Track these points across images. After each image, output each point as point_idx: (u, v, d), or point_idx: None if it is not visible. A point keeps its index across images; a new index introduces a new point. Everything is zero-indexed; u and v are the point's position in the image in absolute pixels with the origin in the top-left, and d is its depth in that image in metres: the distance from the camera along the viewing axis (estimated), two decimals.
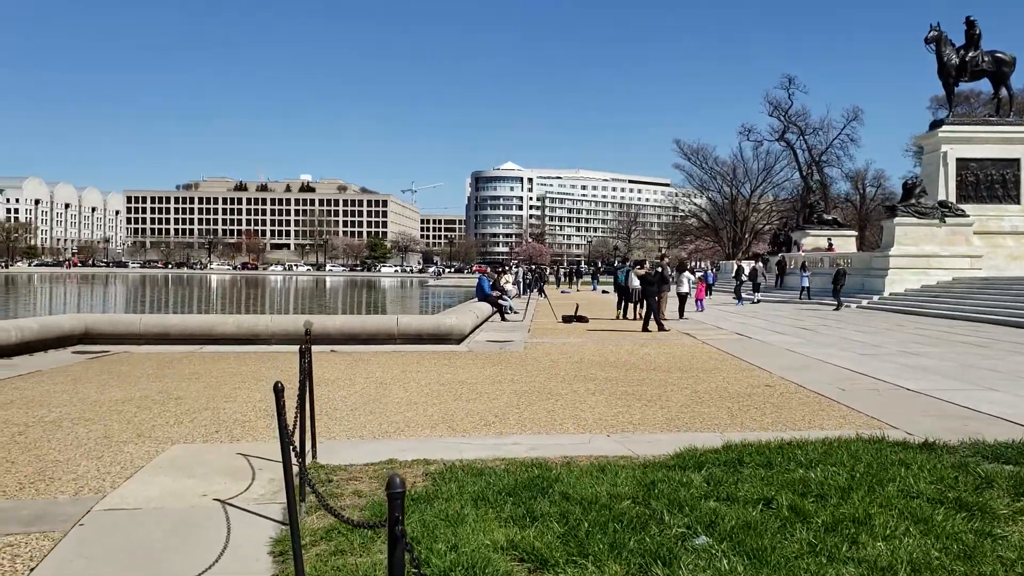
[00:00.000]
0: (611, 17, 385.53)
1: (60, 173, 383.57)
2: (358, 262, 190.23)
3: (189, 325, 15.67)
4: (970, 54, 39.20)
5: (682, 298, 24.60)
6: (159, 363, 12.79)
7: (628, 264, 31.60)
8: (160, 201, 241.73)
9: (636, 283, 27.37)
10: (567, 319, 22.97)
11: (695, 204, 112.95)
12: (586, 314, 23.67)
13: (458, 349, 15.43)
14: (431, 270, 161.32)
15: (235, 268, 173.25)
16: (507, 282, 27.92)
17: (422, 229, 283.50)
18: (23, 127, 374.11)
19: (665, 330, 19.44)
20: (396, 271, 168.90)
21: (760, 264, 45.25)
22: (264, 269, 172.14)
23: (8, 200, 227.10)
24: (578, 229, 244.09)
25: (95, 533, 4.58)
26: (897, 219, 34.42)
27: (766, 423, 8.01)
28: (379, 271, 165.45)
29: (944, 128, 39.11)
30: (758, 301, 35.03)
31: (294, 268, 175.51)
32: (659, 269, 20.82)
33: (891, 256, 34.02)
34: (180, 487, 5.54)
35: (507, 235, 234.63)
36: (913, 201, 34.73)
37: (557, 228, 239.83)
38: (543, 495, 4.67)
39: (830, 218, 50.10)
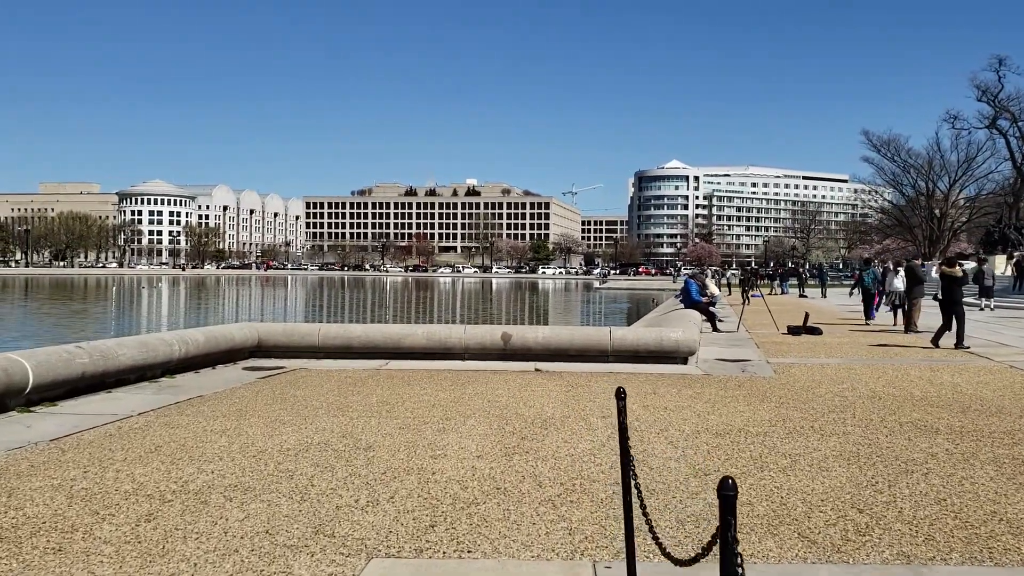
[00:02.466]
0: (781, 7, 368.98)
1: (245, 181, 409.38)
2: (522, 264, 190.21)
3: (374, 337, 13.48)
4: None
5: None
6: (340, 385, 10.52)
7: (876, 264, 27.09)
8: (336, 206, 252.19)
9: (898, 285, 22.47)
10: (794, 330, 19.35)
11: (886, 200, 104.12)
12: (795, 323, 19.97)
13: (689, 371, 12.40)
14: (595, 272, 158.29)
15: (407, 270, 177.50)
16: (713, 286, 24.54)
17: (583, 231, 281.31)
18: (214, 137, 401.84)
19: (938, 346, 15.57)
20: (560, 273, 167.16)
21: (986, 265, 39.24)
22: (433, 271, 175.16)
23: (200, 207, 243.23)
24: (748, 229, 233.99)
25: None
26: None
27: None
28: (543, 273, 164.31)
29: None
30: (994, 308, 29.64)
31: (461, 270, 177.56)
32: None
33: None
34: None
35: (671, 236, 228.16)
36: None
37: (725, 228, 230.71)
38: None
39: None
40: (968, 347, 15.42)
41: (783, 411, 8.71)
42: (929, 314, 21.49)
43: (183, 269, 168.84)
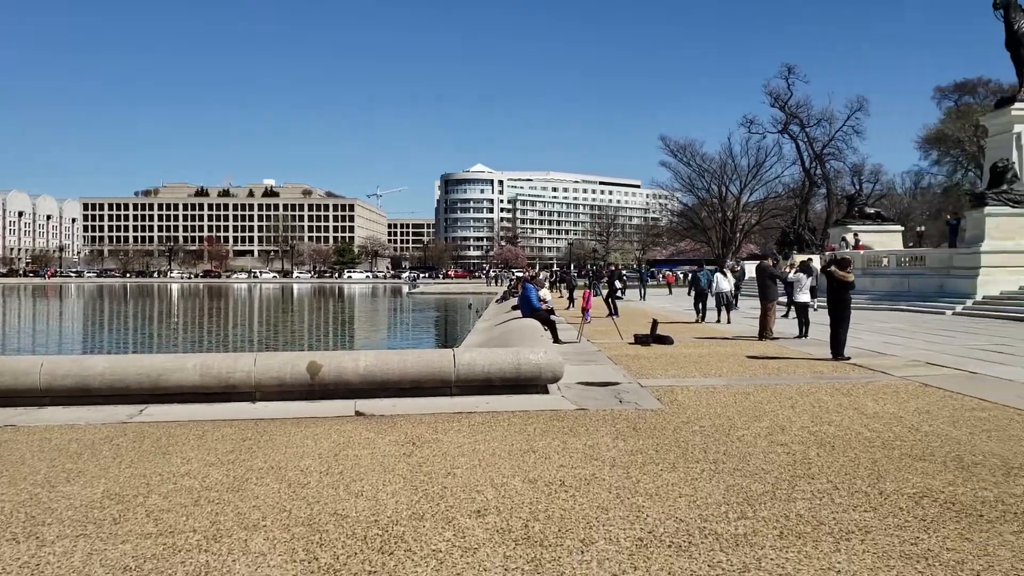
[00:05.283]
0: (578, 12, 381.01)
1: (13, 180, 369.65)
2: (326, 268, 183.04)
3: (124, 373, 9.60)
4: None
5: (801, 309, 18.91)
6: (56, 459, 6.79)
7: (722, 265, 26.04)
8: (118, 208, 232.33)
9: (724, 286, 24.22)
10: (642, 339, 17.18)
11: (681, 203, 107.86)
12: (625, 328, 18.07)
13: (558, 405, 9.57)
14: (405, 275, 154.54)
15: (195, 276, 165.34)
16: (546, 292, 22.10)
17: (390, 234, 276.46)
18: None
19: (844, 356, 13.66)
20: (367, 277, 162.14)
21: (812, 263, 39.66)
22: (228, 277, 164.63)
23: None
24: (550, 232, 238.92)
25: None
26: (987, 208, 29.06)
27: None
28: (349, 278, 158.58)
29: (1017, 106, 33.85)
30: (817, 308, 29.42)
31: (259, 275, 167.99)
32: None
33: (982, 253, 28.67)
34: None
35: (478, 238, 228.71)
36: (1005, 187, 29.39)
37: (529, 231, 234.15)
38: None
39: (872, 212, 44.76)
40: (848, 357, 13.70)
41: (728, 479, 5.99)
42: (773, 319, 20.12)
43: None
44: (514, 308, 21.45)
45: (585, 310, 23.99)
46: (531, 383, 10.29)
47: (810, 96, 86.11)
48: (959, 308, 26.90)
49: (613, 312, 23.95)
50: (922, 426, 7.96)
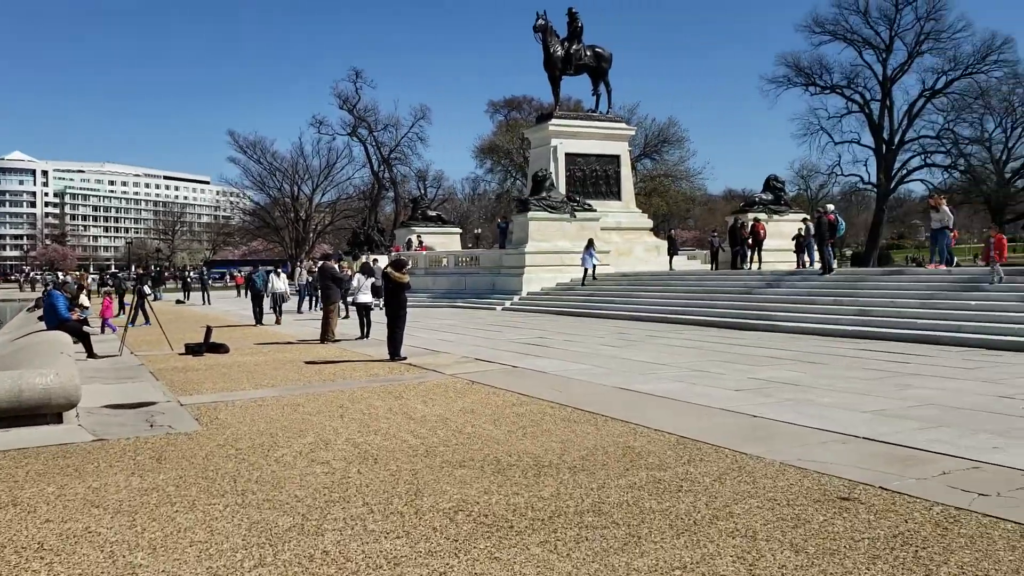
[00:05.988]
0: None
1: None
2: None
3: None
4: (574, 47, 38.73)
5: (362, 310, 18.79)
6: None
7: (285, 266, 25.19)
8: None
9: (279, 288, 25.27)
10: (194, 349, 15.72)
11: (253, 202, 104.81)
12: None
13: (72, 437, 8.06)
14: None
15: None
16: (84, 298, 19.33)
17: None
18: None
19: (401, 356, 13.62)
20: None
21: (377, 265, 40.41)
22: None
23: None
24: (107, 229, 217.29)
25: None
26: (531, 213, 32.09)
27: None
28: None
29: (554, 122, 38.21)
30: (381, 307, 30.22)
31: None
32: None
33: (527, 253, 31.59)
34: None
35: (17, 236, 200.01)
36: (544, 195, 32.76)
37: (82, 228, 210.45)
38: None
39: (434, 214, 47.27)
40: (405, 357, 13.80)
41: (255, 514, 5.24)
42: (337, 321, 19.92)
43: None
44: (40, 319, 18.47)
45: (105, 319, 21.90)
46: (38, 412, 8.51)
47: (378, 101, 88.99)
48: (508, 304, 29.29)
49: (146, 319, 22.27)
50: (466, 427, 7.99)
